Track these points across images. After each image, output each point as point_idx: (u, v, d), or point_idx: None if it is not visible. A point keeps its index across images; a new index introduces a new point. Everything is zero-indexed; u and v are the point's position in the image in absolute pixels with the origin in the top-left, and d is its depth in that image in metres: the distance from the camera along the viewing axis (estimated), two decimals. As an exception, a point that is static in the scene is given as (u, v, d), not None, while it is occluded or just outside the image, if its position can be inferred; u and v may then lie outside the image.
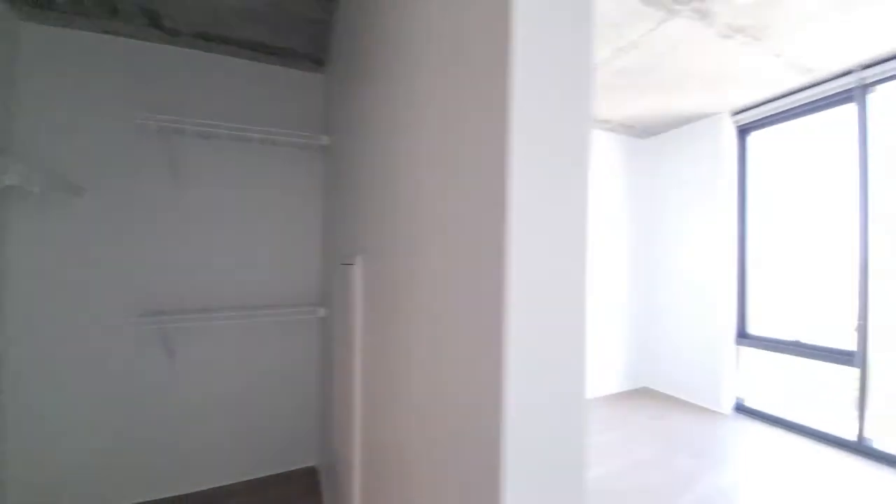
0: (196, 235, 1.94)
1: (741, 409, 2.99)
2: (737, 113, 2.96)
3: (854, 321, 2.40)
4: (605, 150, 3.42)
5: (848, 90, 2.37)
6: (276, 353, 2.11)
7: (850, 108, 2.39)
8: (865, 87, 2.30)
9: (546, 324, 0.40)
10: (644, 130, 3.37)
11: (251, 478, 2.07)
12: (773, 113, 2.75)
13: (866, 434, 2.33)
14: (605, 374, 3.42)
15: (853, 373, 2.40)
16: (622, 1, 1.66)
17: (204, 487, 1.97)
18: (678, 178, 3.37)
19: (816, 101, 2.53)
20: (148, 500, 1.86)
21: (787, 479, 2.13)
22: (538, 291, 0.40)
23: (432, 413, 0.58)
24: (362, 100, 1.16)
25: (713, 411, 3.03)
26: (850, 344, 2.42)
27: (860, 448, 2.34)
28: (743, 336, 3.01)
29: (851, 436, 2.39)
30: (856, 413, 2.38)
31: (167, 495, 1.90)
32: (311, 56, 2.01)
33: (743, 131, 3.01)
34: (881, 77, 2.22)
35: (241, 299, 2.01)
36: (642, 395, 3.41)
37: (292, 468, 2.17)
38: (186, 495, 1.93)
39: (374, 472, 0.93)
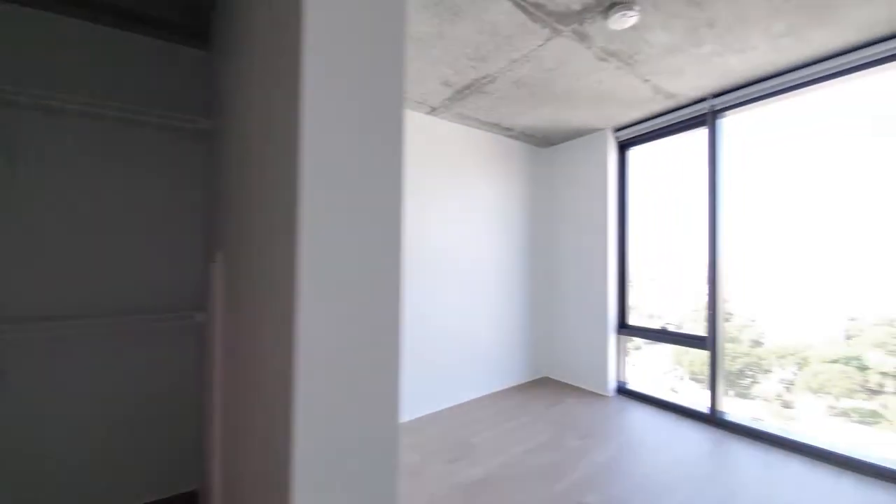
0: (37, 229, 1.61)
1: (622, 391, 3.39)
2: (618, 130, 3.34)
3: (705, 311, 2.86)
4: (509, 157, 3.62)
5: (702, 115, 2.80)
6: (147, 365, 1.85)
7: (706, 131, 2.83)
8: (716, 113, 2.74)
9: (347, 328, 0.39)
10: (543, 140, 3.64)
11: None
12: (646, 131, 3.16)
13: (718, 407, 2.79)
14: (510, 367, 3.63)
15: (706, 355, 2.86)
16: (512, 15, 1.76)
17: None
18: (572, 186, 3.71)
19: (679, 122, 2.94)
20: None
21: (655, 449, 2.46)
22: (335, 292, 0.39)
23: (260, 425, 0.54)
24: (232, 82, 1.06)
25: (600, 395, 3.38)
26: (703, 330, 2.89)
27: (713, 419, 2.78)
28: (623, 327, 3.42)
29: (707, 409, 2.83)
30: (708, 389, 2.84)
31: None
32: (193, 30, 1.80)
33: (623, 146, 3.41)
34: (728, 104, 2.64)
35: (100, 305, 1.73)
36: (542, 385, 3.68)
37: (170, 494, 1.92)
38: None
39: (232, 493, 0.85)
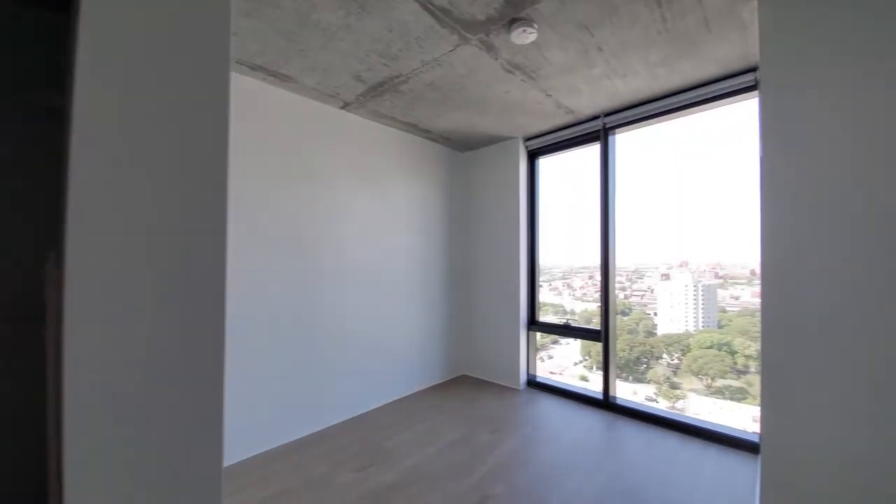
0: None
1: (532, 383, 3.61)
2: (528, 139, 3.56)
3: (601, 307, 3.17)
4: (427, 158, 3.65)
5: (597, 131, 3.10)
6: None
7: (603, 145, 3.13)
8: (608, 130, 3.05)
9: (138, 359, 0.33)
10: (461, 144, 3.74)
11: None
12: (552, 142, 3.40)
13: (611, 392, 3.09)
14: (428, 367, 3.65)
15: (600, 346, 3.17)
16: (420, 17, 1.77)
17: None
18: (487, 190, 3.86)
19: (579, 136, 3.21)
20: None
21: (556, 436, 2.65)
22: (117, 309, 0.33)
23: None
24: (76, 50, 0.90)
25: (512, 388, 3.57)
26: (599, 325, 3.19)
27: (607, 404, 3.08)
28: (533, 323, 3.65)
29: (601, 395, 3.13)
30: (602, 377, 3.14)
31: None
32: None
33: (533, 155, 3.64)
34: (618, 123, 2.94)
35: None
36: (460, 383, 3.77)
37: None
38: None
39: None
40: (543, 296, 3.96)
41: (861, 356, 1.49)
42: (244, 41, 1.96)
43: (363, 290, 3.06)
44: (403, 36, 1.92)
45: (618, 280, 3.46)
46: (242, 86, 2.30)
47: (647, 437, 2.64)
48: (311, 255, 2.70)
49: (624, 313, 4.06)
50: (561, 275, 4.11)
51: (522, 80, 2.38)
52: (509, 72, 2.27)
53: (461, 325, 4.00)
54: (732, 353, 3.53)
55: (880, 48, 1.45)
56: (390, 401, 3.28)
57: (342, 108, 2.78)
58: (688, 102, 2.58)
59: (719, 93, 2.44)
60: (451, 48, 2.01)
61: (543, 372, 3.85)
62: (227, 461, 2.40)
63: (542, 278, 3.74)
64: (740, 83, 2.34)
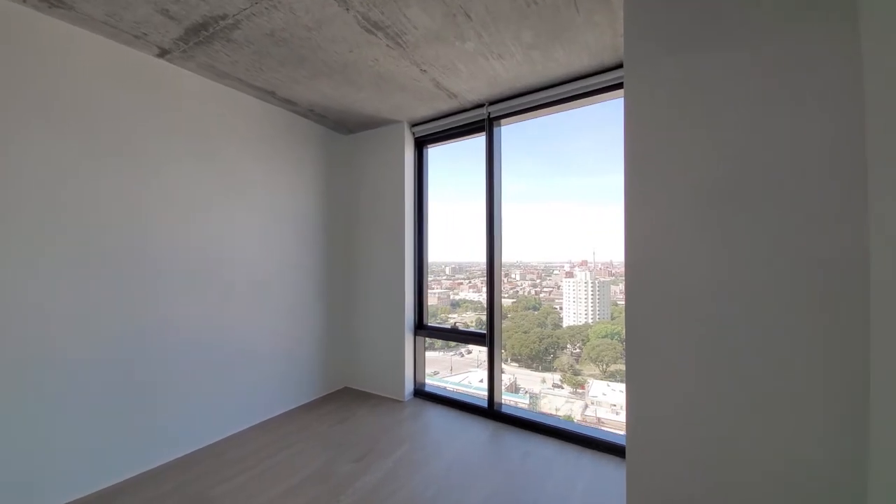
0: None
1: (419, 393, 3.29)
2: (414, 125, 3.22)
3: (486, 310, 2.95)
4: (298, 138, 3.09)
5: (482, 120, 2.84)
6: None
7: (489, 136, 2.90)
8: (493, 120, 2.82)
9: None
10: (339, 124, 3.27)
11: None
12: (439, 130, 3.09)
13: (496, 399, 2.88)
14: (301, 383, 3.12)
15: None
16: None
17: None
18: (372, 180, 3.44)
19: (466, 125, 2.94)
20: None
21: (431, 456, 2.33)
22: None
23: None
24: None
25: (397, 400, 3.21)
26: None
27: (492, 412, 2.85)
28: (420, 327, 3.33)
29: (487, 403, 2.91)
30: (486, 383, 2.92)
31: None
32: None
33: (420, 143, 3.30)
34: (502, 113, 2.71)
35: None
36: (340, 397, 3.30)
37: None
38: None
39: None
40: (464, 293, 3.79)
41: (704, 353, 1.39)
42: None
43: (209, 298, 2.45)
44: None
45: (529, 277, 3.30)
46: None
47: (526, 447, 2.46)
48: (132, 256, 2.05)
49: (534, 308, 4.10)
50: (480, 272, 3.94)
51: (388, 45, 2.02)
52: (369, 31, 1.90)
53: (343, 332, 3.53)
54: (622, 341, 3.75)
55: (743, 35, 1.34)
56: (247, 426, 2.70)
57: (159, 56, 2.14)
58: (568, 95, 2.47)
59: (598, 87, 2.35)
60: (283, -16, 1.58)
61: (462, 368, 3.61)
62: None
63: (461, 276, 3.52)
64: (613, 79, 2.27)
